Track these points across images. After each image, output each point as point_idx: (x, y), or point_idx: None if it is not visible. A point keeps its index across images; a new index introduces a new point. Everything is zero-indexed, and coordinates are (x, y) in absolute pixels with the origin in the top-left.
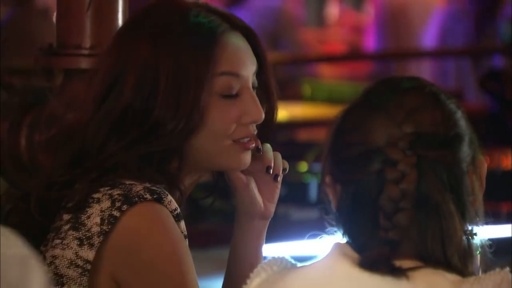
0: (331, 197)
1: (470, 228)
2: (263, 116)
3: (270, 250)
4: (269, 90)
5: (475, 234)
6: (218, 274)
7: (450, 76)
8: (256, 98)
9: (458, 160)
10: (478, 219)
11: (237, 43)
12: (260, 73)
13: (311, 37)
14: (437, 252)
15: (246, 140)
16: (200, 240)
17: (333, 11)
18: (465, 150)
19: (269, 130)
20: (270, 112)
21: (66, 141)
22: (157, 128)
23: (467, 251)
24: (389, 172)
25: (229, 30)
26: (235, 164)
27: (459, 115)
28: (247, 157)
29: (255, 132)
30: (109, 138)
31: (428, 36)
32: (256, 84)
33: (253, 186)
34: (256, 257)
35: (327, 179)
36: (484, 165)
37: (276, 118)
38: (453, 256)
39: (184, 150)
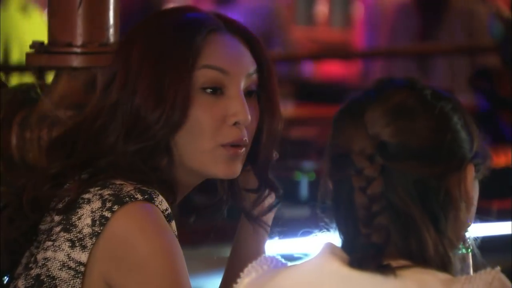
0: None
1: (451, 239)
2: (249, 118)
3: None
4: (272, 99)
5: (460, 246)
6: (210, 273)
7: (439, 74)
8: (243, 99)
9: (427, 172)
10: (460, 234)
11: (230, 42)
12: (263, 80)
13: (301, 35)
14: (417, 255)
15: (235, 145)
16: (191, 238)
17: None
18: (441, 162)
19: (274, 140)
20: (274, 121)
21: (64, 140)
22: (142, 122)
23: (445, 260)
24: (355, 180)
25: (225, 31)
26: (220, 171)
27: (440, 125)
28: (236, 165)
29: (246, 140)
30: (100, 135)
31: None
32: (253, 88)
33: None
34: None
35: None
36: (470, 175)
37: (280, 128)
38: (432, 261)
39: (170, 147)
